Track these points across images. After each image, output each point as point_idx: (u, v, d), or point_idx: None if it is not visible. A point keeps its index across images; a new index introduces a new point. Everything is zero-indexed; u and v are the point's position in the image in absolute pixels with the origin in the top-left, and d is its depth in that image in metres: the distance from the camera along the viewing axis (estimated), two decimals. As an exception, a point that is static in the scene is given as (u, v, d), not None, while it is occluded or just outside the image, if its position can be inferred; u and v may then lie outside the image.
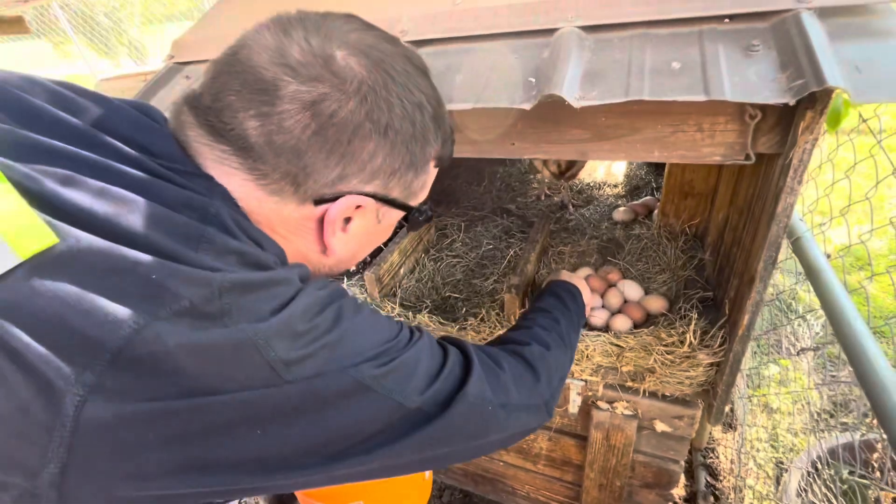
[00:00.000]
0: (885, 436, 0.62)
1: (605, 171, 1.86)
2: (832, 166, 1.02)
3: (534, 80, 0.66)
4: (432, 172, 0.53)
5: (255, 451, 0.36)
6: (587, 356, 0.95)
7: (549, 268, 1.20)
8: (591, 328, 1.03)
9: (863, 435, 0.99)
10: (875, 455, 1.01)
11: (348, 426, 0.39)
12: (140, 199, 0.36)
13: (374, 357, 0.41)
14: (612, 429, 1.01)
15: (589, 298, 0.88)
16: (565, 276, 0.89)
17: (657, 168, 1.67)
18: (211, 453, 0.34)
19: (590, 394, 1.01)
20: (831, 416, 1.59)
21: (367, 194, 0.45)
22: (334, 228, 0.46)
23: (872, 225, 0.84)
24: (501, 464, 1.31)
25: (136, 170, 0.38)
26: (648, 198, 1.49)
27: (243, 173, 0.42)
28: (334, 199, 0.44)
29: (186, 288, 0.33)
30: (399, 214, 0.52)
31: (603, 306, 1.07)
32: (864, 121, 0.89)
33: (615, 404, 0.99)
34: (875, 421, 1.29)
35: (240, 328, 0.34)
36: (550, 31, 0.71)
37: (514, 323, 0.69)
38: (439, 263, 1.32)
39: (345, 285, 1.19)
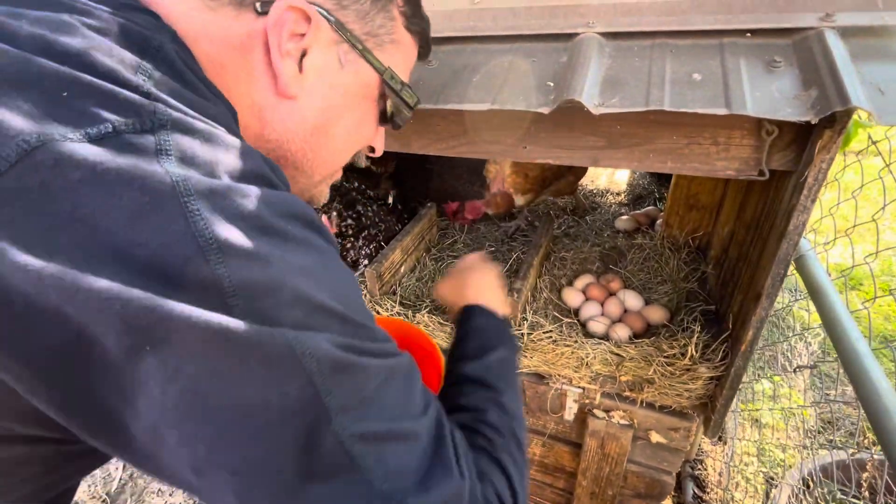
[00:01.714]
0: (877, 455, 0.63)
1: (608, 179, 1.86)
2: (838, 186, 1.03)
3: (552, 84, 0.65)
4: (403, 33, 0.47)
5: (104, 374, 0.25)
6: (586, 364, 0.95)
7: (551, 273, 1.20)
8: (590, 335, 1.03)
9: (854, 453, 1.00)
10: (865, 475, 1.01)
11: (254, 406, 0.26)
12: (71, 21, 0.29)
13: (340, 327, 0.30)
14: (608, 437, 1.01)
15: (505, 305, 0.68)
16: (478, 280, 0.68)
17: (660, 178, 1.67)
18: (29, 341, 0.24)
19: (587, 401, 1.01)
20: (821, 433, 1.60)
21: (311, 3, 0.39)
22: (281, 47, 0.38)
23: (878, 248, 0.84)
24: (493, 467, 1.30)
25: (71, 9, 0.31)
26: (651, 207, 1.49)
27: None
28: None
29: (110, 111, 0.27)
30: (367, 69, 0.44)
31: (602, 314, 1.06)
32: (874, 142, 0.89)
33: (612, 413, 0.99)
34: (866, 440, 1.30)
35: (169, 171, 0.26)
36: (570, 36, 0.71)
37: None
38: (440, 263, 1.31)
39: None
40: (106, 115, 0.26)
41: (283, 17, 0.38)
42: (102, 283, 0.24)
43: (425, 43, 0.53)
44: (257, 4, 0.38)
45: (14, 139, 0.24)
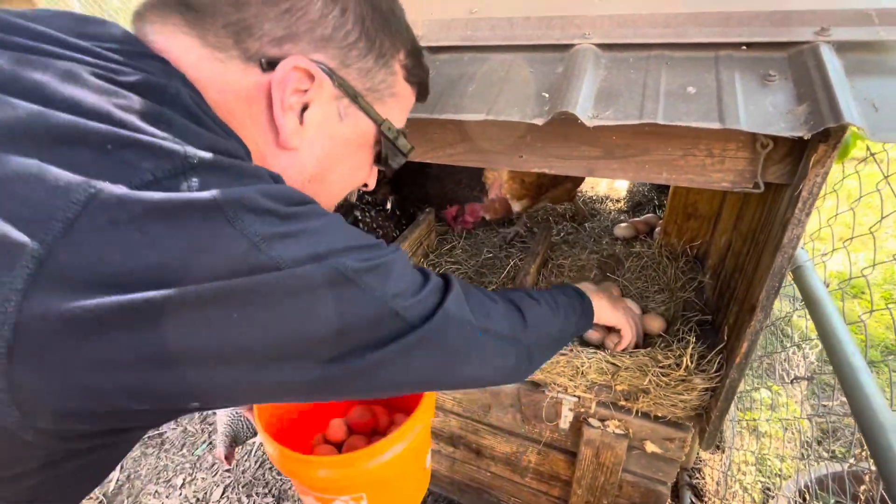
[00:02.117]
0: (873, 468, 0.62)
1: (608, 185, 1.86)
2: (836, 196, 1.02)
3: (547, 95, 0.65)
4: (403, 85, 0.51)
5: (236, 338, 0.32)
6: (582, 373, 0.94)
7: (549, 280, 1.20)
8: (586, 344, 1.02)
9: (851, 466, 0.99)
10: (863, 487, 1.01)
11: (332, 319, 0.36)
12: (92, 80, 0.33)
13: (357, 250, 0.39)
14: (603, 446, 1.00)
15: (613, 318, 0.87)
16: (595, 292, 0.85)
17: (660, 185, 1.66)
18: (183, 342, 0.31)
19: (582, 410, 1.01)
20: (819, 443, 1.59)
21: (316, 62, 0.42)
22: (284, 102, 0.42)
23: (875, 259, 0.84)
24: (489, 474, 1.30)
25: (85, 54, 0.35)
26: (650, 215, 1.49)
27: (188, 31, 0.39)
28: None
29: (149, 160, 0.31)
30: (365, 121, 0.48)
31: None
32: (872, 154, 0.89)
33: (607, 422, 0.99)
34: (863, 452, 1.29)
35: (211, 193, 0.31)
36: (566, 47, 0.71)
37: None
38: (438, 269, 1.31)
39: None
40: (146, 165, 0.31)
41: (288, 76, 0.41)
42: (171, 292, 0.30)
43: (424, 90, 0.56)
44: (263, 61, 0.40)
45: (79, 186, 0.28)
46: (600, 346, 1.00)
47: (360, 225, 1.26)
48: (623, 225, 1.41)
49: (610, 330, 1.02)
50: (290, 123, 0.42)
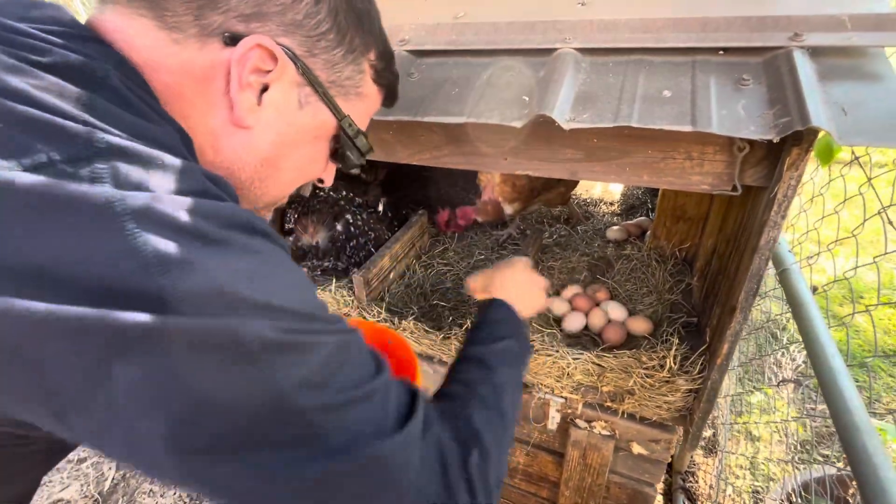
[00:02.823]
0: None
1: (603, 188, 1.87)
2: (824, 200, 1.03)
3: (527, 98, 0.66)
4: (370, 86, 0.50)
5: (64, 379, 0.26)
6: (568, 374, 0.95)
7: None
8: (570, 335, 1.03)
9: (839, 470, 0.99)
10: (850, 491, 1.01)
11: (204, 390, 0.28)
12: (19, 65, 0.30)
13: (285, 314, 0.32)
14: (589, 448, 1.01)
15: (541, 300, 0.75)
16: (515, 277, 0.74)
17: (653, 189, 1.67)
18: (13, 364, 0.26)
19: (569, 411, 1.01)
20: (813, 447, 1.59)
21: (282, 46, 0.40)
22: (242, 79, 0.40)
23: (857, 262, 0.84)
24: (478, 475, 1.30)
25: (11, 34, 0.32)
26: (642, 218, 1.50)
27: (145, 12, 0.38)
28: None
29: (46, 141, 0.28)
30: (326, 113, 0.46)
31: (587, 326, 1.07)
32: (856, 157, 0.89)
33: (593, 423, 0.99)
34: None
35: (104, 193, 0.27)
36: (549, 51, 0.72)
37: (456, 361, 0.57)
38: (430, 270, 1.32)
39: (332, 288, 1.19)
40: (40, 145, 0.27)
41: (248, 54, 0.39)
42: (39, 306, 0.25)
43: (391, 94, 0.55)
44: (226, 35, 0.39)
45: None
46: (580, 336, 1.00)
47: (351, 229, 1.27)
48: (615, 228, 1.42)
49: (574, 309, 1.03)
50: (245, 101, 0.41)
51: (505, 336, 0.60)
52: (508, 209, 1.35)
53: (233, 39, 0.39)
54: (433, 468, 0.38)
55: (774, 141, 0.52)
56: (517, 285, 0.72)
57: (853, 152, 0.92)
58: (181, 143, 0.36)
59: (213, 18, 0.38)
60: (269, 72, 0.41)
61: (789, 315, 0.89)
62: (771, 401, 1.57)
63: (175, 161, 0.32)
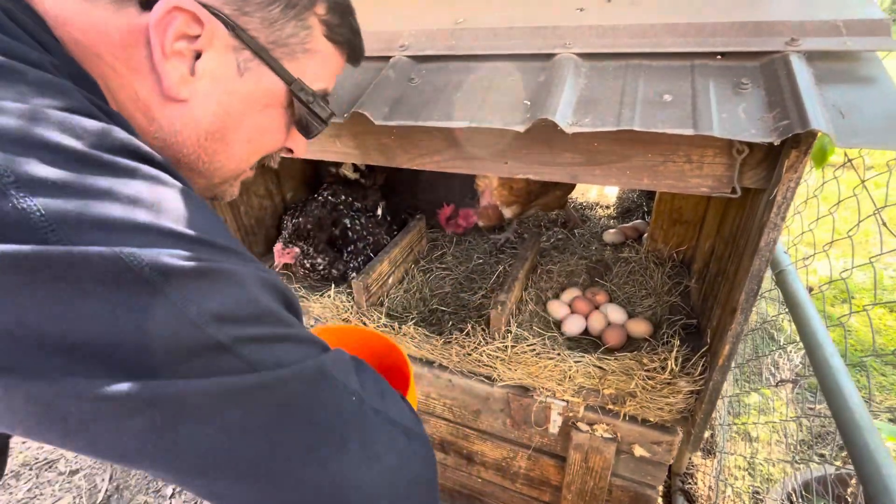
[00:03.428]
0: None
1: (598, 192, 1.88)
2: (818, 201, 1.05)
3: (529, 102, 0.67)
4: (322, 42, 0.45)
5: None
6: (569, 377, 0.95)
7: (538, 286, 1.21)
8: (569, 338, 1.04)
9: (837, 469, 1.00)
10: (849, 490, 1.01)
11: (124, 329, 0.25)
12: None
13: (189, 242, 0.28)
14: (591, 451, 1.01)
15: None
16: None
17: (649, 192, 1.69)
18: None
19: (570, 415, 1.01)
20: (809, 447, 1.60)
21: (207, 7, 0.36)
22: (165, 45, 0.36)
23: (853, 262, 0.86)
24: (480, 480, 1.30)
25: None
26: (639, 221, 1.51)
27: None
28: None
29: None
30: (272, 78, 0.42)
31: (587, 329, 1.07)
32: (850, 160, 0.91)
33: (595, 426, 0.99)
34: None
35: None
36: (548, 56, 0.73)
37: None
38: (429, 275, 1.32)
39: (331, 293, 1.19)
40: None
41: (166, 18, 0.35)
42: None
43: (354, 53, 0.50)
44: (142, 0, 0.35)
45: None
46: (579, 339, 1.00)
47: (349, 233, 1.27)
48: (612, 231, 1.43)
49: (573, 312, 1.03)
50: (173, 71, 0.37)
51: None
52: (507, 213, 1.35)
53: (148, 3, 0.35)
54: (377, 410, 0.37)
55: (775, 144, 0.53)
56: None
57: (846, 155, 0.94)
58: (66, 76, 0.31)
59: None
60: (197, 37, 0.37)
61: (783, 316, 0.90)
62: (768, 402, 1.58)
63: (44, 76, 0.28)
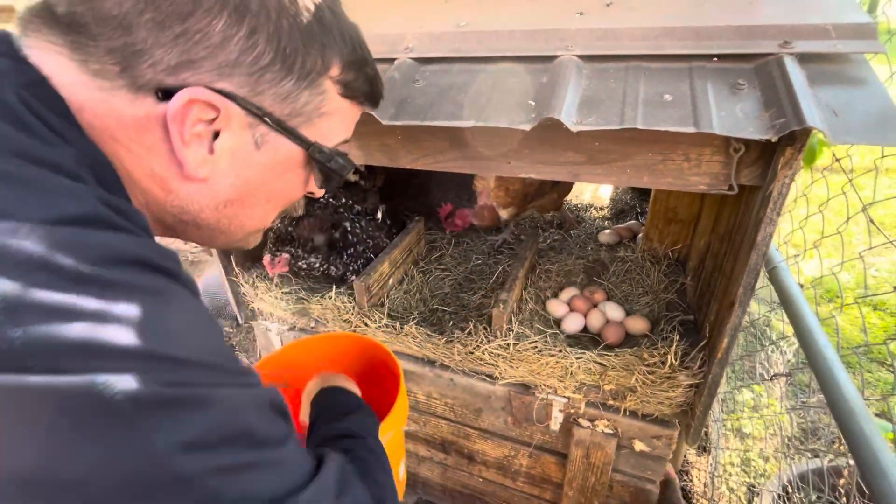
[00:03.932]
0: (851, 462, 0.65)
1: (592, 194, 1.91)
2: (807, 201, 1.08)
3: (533, 102, 0.69)
4: (339, 101, 0.45)
5: None
6: (571, 373, 0.97)
7: (536, 286, 1.22)
8: (570, 336, 1.05)
9: (831, 461, 1.03)
10: (842, 481, 1.04)
11: (84, 462, 0.25)
12: None
13: (168, 366, 0.28)
14: (592, 446, 1.02)
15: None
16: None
17: (642, 193, 1.72)
18: None
19: (571, 411, 1.03)
20: (801, 442, 1.64)
21: (222, 92, 0.37)
22: (184, 134, 0.37)
23: (843, 258, 0.89)
24: (481, 480, 1.30)
25: None
26: (633, 222, 1.54)
27: (66, 52, 0.34)
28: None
29: None
30: (289, 146, 0.43)
31: (585, 327, 1.09)
32: (838, 160, 0.94)
33: (596, 422, 1.01)
34: (842, 447, 1.33)
35: None
36: (551, 58, 0.74)
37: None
38: (428, 276, 1.33)
39: (332, 294, 1.19)
40: None
41: (184, 111, 0.36)
42: None
43: (373, 100, 0.51)
44: (158, 92, 0.36)
45: None
46: (580, 337, 1.02)
47: (349, 236, 1.27)
48: (607, 231, 1.46)
49: (572, 311, 1.05)
50: (194, 156, 0.38)
51: (354, 410, 0.63)
52: (504, 214, 1.37)
53: (166, 94, 0.36)
54: None
55: (773, 140, 0.55)
56: (331, 378, 0.75)
57: (833, 155, 0.97)
58: (86, 168, 0.33)
59: (142, 71, 0.35)
60: (214, 119, 0.38)
61: (773, 314, 0.93)
62: (761, 397, 1.61)
63: (60, 182, 0.29)
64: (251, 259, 1.35)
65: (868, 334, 2.24)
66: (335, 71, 0.43)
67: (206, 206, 0.42)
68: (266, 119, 0.40)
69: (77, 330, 0.25)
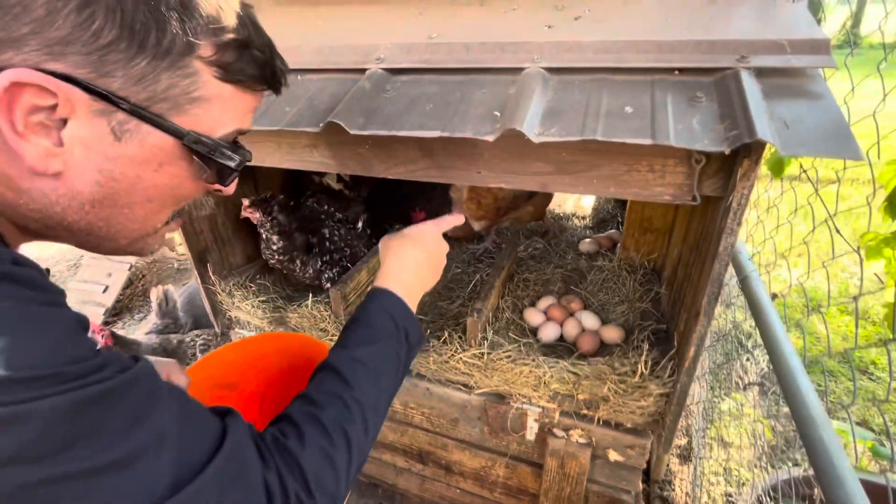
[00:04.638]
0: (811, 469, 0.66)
1: (574, 204, 1.93)
2: (777, 211, 1.10)
3: (499, 113, 0.69)
4: (217, 86, 0.40)
5: None
6: (544, 382, 0.97)
7: (514, 294, 1.23)
8: (545, 345, 1.05)
9: (805, 470, 1.03)
10: (816, 490, 1.04)
11: None
12: None
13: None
14: (567, 456, 1.02)
15: (440, 267, 0.70)
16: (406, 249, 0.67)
17: (623, 203, 1.74)
18: None
19: (546, 420, 1.02)
20: (783, 451, 1.64)
21: (54, 74, 0.33)
22: (16, 123, 0.33)
23: (809, 267, 0.90)
24: (458, 491, 1.29)
25: None
26: (613, 231, 1.55)
27: None
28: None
29: None
30: (157, 135, 0.38)
31: (562, 336, 1.09)
32: (804, 171, 0.96)
33: (570, 432, 1.01)
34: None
35: None
36: (518, 70, 0.76)
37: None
38: (407, 285, 1.33)
39: (309, 302, 1.19)
40: None
41: (6, 96, 0.32)
42: None
43: (269, 83, 0.46)
44: None
45: None
46: (555, 346, 1.02)
47: (327, 243, 1.27)
48: (587, 241, 1.47)
49: (549, 320, 1.05)
50: (33, 149, 0.34)
51: (376, 340, 0.56)
52: (475, 226, 1.38)
53: None
54: None
55: (726, 153, 0.56)
56: (416, 265, 0.67)
57: (801, 166, 0.99)
58: None
59: None
60: (54, 106, 0.34)
61: (750, 321, 0.93)
62: (741, 407, 1.62)
63: None
64: (228, 267, 1.34)
65: (849, 342, 2.27)
66: (206, 51, 0.39)
67: (69, 206, 0.38)
68: (120, 105, 0.36)
69: None
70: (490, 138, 0.65)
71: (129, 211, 0.41)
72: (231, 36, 0.40)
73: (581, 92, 0.70)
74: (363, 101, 0.76)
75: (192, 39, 0.37)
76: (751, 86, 0.61)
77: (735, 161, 0.66)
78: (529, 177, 0.78)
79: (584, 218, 1.77)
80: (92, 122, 0.36)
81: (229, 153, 0.43)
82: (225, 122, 0.43)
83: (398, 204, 1.68)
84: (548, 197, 1.49)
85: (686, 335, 0.83)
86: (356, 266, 1.22)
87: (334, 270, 1.26)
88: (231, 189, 0.49)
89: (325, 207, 1.37)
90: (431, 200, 1.82)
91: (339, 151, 0.88)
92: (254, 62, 0.43)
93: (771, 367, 0.78)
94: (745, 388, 1.28)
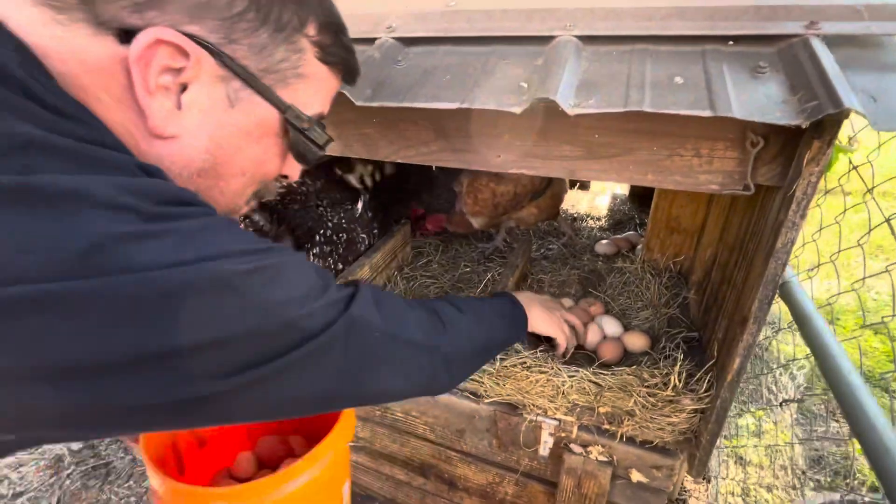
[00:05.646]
0: (868, 499, 0.57)
1: (588, 204, 1.84)
2: (821, 211, 1.00)
3: (525, 84, 0.61)
4: (316, 65, 0.43)
5: (64, 349, 0.26)
6: (563, 393, 0.87)
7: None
8: (564, 361, 0.96)
9: (847, 494, 0.94)
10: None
11: (202, 329, 0.30)
12: None
13: (240, 254, 0.33)
14: (585, 475, 0.92)
15: (556, 324, 0.86)
16: (533, 305, 0.83)
17: (641, 204, 1.65)
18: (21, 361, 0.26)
19: (563, 435, 0.93)
20: (803, 472, 1.54)
21: (192, 37, 0.34)
22: (148, 81, 0.34)
23: (865, 272, 0.81)
24: (462, 507, 1.20)
25: None
26: (631, 233, 1.46)
27: None
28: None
29: None
30: (264, 107, 0.41)
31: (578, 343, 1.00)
32: (855, 167, 0.87)
33: (589, 448, 0.91)
34: (856, 481, 1.24)
35: (39, 179, 0.26)
36: (546, 39, 0.67)
37: None
38: (412, 283, 1.24)
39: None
40: None
41: (148, 53, 0.33)
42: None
43: (349, 72, 0.49)
44: (119, 30, 0.33)
45: None
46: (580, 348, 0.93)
47: (317, 237, 1.17)
48: (604, 242, 1.38)
49: (549, 340, 0.96)
50: (158, 107, 0.35)
51: (499, 316, 0.71)
52: (474, 223, 1.28)
53: (127, 35, 0.33)
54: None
55: (803, 126, 0.47)
56: (542, 303, 0.85)
57: (850, 162, 0.90)
58: (106, 136, 0.34)
59: (101, 7, 0.32)
60: (182, 69, 0.35)
61: (777, 335, 0.85)
62: (762, 424, 1.52)
63: (103, 153, 0.31)
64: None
65: (870, 359, 2.16)
66: (311, 30, 0.42)
67: (179, 174, 0.39)
68: (240, 73, 0.38)
69: (168, 247, 0.30)
70: (517, 110, 0.56)
71: (225, 184, 0.43)
72: (329, 19, 0.43)
73: (620, 62, 0.61)
74: (372, 72, 0.68)
75: (306, 17, 0.41)
76: (825, 55, 0.52)
77: (798, 145, 0.57)
78: (555, 161, 0.70)
79: (598, 219, 1.68)
80: (213, 88, 0.37)
81: (319, 131, 0.45)
82: (315, 102, 0.45)
83: (405, 200, 1.59)
84: (556, 199, 1.39)
85: (728, 344, 0.73)
86: (357, 262, 1.13)
87: (328, 261, 1.16)
88: (297, 175, 0.51)
89: (318, 208, 1.25)
90: (439, 197, 1.74)
91: (344, 131, 0.80)
92: (343, 46, 0.46)
93: (811, 383, 0.69)
94: (780, 405, 1.18)
